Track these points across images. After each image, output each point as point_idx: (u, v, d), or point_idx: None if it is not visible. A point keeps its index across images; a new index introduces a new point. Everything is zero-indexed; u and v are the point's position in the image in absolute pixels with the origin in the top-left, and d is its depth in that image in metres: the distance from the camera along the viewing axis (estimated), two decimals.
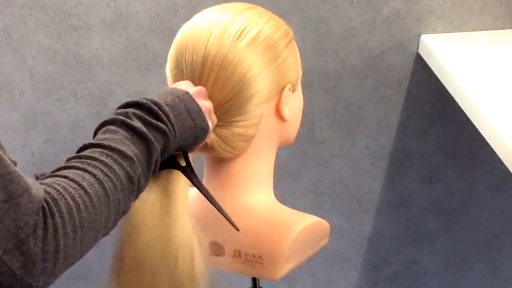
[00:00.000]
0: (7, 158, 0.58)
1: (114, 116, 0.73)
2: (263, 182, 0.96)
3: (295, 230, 0.91)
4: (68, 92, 1.64)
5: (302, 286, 1.89)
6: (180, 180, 0.84)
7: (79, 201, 0.62)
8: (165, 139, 0.74)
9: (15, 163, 0.70)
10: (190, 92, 0.80)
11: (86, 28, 1.56)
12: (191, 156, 0.83)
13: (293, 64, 0.93)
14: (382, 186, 1.75)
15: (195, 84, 0.87)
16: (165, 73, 0.94)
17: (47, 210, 0.59)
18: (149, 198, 0.82)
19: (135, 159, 0.69)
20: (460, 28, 1.56)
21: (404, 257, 1.84)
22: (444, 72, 1.40)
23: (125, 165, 0.68)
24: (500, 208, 1.78)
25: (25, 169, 0.79)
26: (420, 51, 1.57)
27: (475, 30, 1.56)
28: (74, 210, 0.61)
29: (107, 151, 0.68)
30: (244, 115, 0.89)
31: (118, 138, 0.70)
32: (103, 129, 0.72)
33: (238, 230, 0.86)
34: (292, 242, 0.90)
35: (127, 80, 1.62)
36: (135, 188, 0.69)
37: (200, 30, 0.88)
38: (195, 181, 0.83)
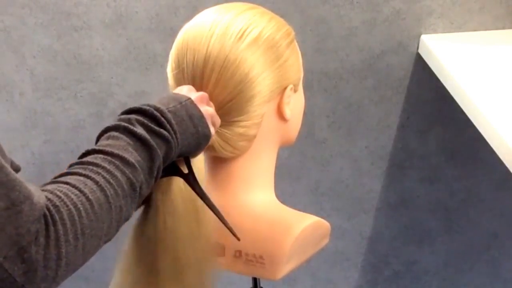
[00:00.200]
0: (8, 166, 0.58)
1: (117, 122, 0.72)
2: (264, 182, 0.96)
3: (296, 230, 0.91)
4: (68, 92, 1.64)
5: (302, 286, 1.89)
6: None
7: (81, 208, 0.62)
8: (167, 146, 0.74)
9: (18, 167, 0.70)
10: (192, 98, 0.80)
11: (86, 28, 1.56)
12: (193, 162, 0.83)
13: (295, 64, 0.93)
14: (382, 186, 1.75)
15: (196, 84, 0.87)
16: (165, 73, 0.94)
17: (48, 217, 0.59)
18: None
19: (137, 166, 0.69)
20: (460, 28, 1.56)
21: (404, 257, 1.84)
22: (444, 72, 1.40)
23: (127, 171, 0.68)
24: (500, 208, 1.78)
25: (25, 169, 0.80)
26: (420, 51, 1.57)
27: (475, 30, 1.56)
28: (76, 217, 0.61)
29: (109, 158, 0.68)
30: (246, 115, 0.89)
31: (120, 145, 0.70)
32: (106, 135, 0.72)
33: (239, 239, 0.86)
34: (293, 242, 0.90)
35: (127, 80, 1.62)
36: (137, 195, 0.69)
37: (201, 30, 0.88)
38: (197, 188, 0.82)
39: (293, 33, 0.94)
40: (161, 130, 0.73)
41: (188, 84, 0.88)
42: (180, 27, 0.93)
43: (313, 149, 1.70)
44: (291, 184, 1.74)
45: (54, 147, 1.70)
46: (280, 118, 0.93)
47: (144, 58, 1.59)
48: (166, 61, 0.93)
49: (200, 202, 0.84)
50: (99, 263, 1.62)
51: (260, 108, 0.89)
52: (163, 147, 0.73)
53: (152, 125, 0.73)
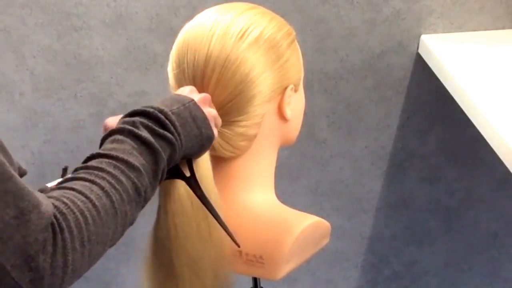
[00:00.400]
0: (17, 174, 0.58)
1: (121, 126, 0.72)
2: (264, 182, 0.96)
3: (296, 230, 0.91)
4: (68, 92, 1.64)
5: (302, 286, 1.89)
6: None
7: (87, 215, 0.62)
8: (172, 149, 0.74)
9: (25, 172, 0.70)
10: (195, 99, 0.80)
11: (86, 28, 1.56)
12: (195, 165, 0.83)
13: (296, 64, 0.93)
14: (382, 186, 1.75)
15: (197, 84, 0.87)
16: (166, 73, 0.94)
17: (56, 225, 0.59)
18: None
19: (142, 170, 0.69)
20: (460, 28, 1.56)
21: (404, 257, 1.84)
22: (444, 72, 1.40)
23: (132, 176, 0.68)
24: (500, 208, 1.78)
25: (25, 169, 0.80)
26: (420, 51, 1.57)
27: (475, 30, 1.56)
28: (83, 224, 0.61)
29: (114, 162, 0.68)
30: (246, 115, 0.89)
31: (125, 148, 0.70)
32: (111, 138, 0.72)
33: (239, 246, 0.86)
34: (293, 242, 0.90)
35: (127, 80, 1.62)
36: (142, 200, 0.70)
37: (202, 30, 0.88)
38: (198, 192, 0.82)
39: (294, 33, 0.94)
40: (165, 132, 0.73)
41: (189, 84, 0.88)
42: (180, 27, 0.93)
43: (313, 149, 1.70)
44: (291, 184, 1.74)
45: (54, 147, 1.70)
46: (280, 118, 0.93)
47: (144, 58, 1.59)
48: (166, 61, 0.93)
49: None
50: (99, 263, 1.61)
51: (260, 108, 0.89)
52: (168, 150, 0.73)
53: (156, 128, 0.73)
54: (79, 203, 0.62)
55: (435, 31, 1.56)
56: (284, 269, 0.92)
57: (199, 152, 0.81)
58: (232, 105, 0.87)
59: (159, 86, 1.60)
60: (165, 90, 0.94)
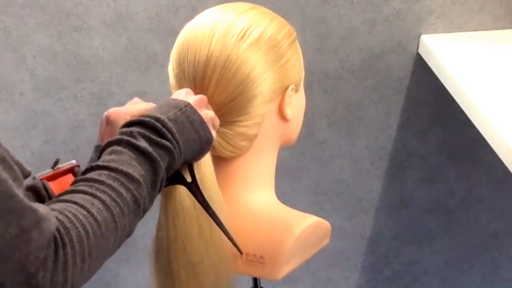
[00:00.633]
0: (20, 191, 0.58)
1: (119, 136, 0.72)
2: (265, 182, 0.96)
3: (296, 230, 0.90)
4: (68, 92, 1.64)
5: (302, 286, 1.89)
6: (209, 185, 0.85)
7: (89, 230, 0.62)
8: (170, 156, 0.74)
9: (29, 173, 0.70)
10: (192, 102, 0.80)
11: (86, 28, 1.56)
12: (197, 167, 0.83)
13: (296, 64, 0.93)
14: (382, 186, 1.75)
15: (197, 84, 0.87)
16: (166, 73, 0.94)
17: (59, 240, 0.60)
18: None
19: (141, 181, 0.69)
20: (460, 28, 1.56)
21: (404, 257, 1.84)
22: (444, 72, 1.40)
23: (131, 188, 0.68)
24: (500, 208, 1.78)
25: None
26: (420, 51, 1.57)
27: (475, 30, 1.56)
28: (84, 239, 0.62)
29: (114, 174, 0.68)
30: (247, 115, 0.89)
31: (124, 159, 0.70)
32: (109, 149, 0.72)
33: (241, 253, 0.86)
34: (294, 242, 0.90)
35: (127, 80, 1.62)
36: (141, 211, 0.70)
37: (203, 30, 0.88)
38: (200, 198, 0.82)
39: (294, 33, 0.94)
40: (163, 140, 0.73)
41: (189, 83, 0.88)
42: (180, 27, 0.93)
43: (313, 149, 1.70)
44: (291, 184, 1.74)
45: (54, 147, 1.70)
46: (281, 118, 0.93)
47: (144, 58, 1.59)
48: (166, 61, 0.93)
49: (212, 203, 0.84)
50: None
51: (261, 108, 0.89)
52: (166, 158, 0.73)
53: (154, 137, 0.73)
54: (81, 217, 0.62)
55: (435, 31, 1.56)
56: (285, 269, 0.92)
57: (199, 155, 0.81)
58: (233, 105, 0.87)
59: (159, 86, 1.60)
60: (165, 90, 0.94)
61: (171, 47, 0.93)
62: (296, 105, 0.95)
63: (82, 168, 0.83)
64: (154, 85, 1.62)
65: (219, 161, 0.93)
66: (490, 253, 1.84)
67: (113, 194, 0.66)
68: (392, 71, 1.60)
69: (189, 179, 0.82)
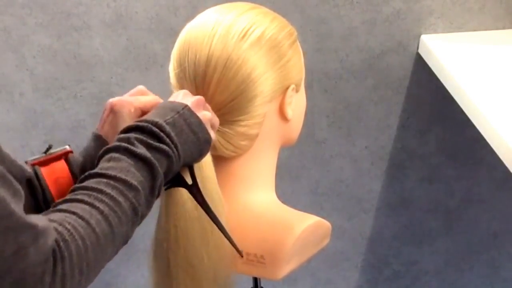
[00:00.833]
0: (18, 209, 0.58)
1: (117, 143, 0.72)
2: (265, 182, 0.96)
3: (297, 230, 0.90)
4: (68, 92, 1.64)
5: (302, 286, 1.89)
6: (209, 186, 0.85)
7: (88, 242, 0.62)
8: (169, 160, 0.74)
9: (30, 174, 0.70)
10: (189, 103, 0.80)
11: (86, 28, 1.56)
12: (198, 168, 0.83)
13: (297, 64, 0.93)
14: (382, 186, 1.75)
15: (198, 84, 0.87)
16: (166, 73, 0.94)
17: (57, 253, 0.60)
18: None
19: (139, 188, 0.69)
20: (460, 28, 1.56)
21: (404, 257, 1.84)
22: (444, 72, 1.40)
23: (130, 196, 0.68)
24: (500, 208, 1.78)
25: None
26: (420, 51, 1.57)
27: (475, 30, 1.56)
28: (83, 252, 0.62)
29: (112, 182, 0.68)
30: (247, 115, 0.89)
31: (122, 166, 0.69)
32: (107, 156, 0.72)
33: (242, 256, 0.86)
34: (294, 242, 0.90)
35: (127, 80, 1.62)
36: (138, 218, 0.70)
37: (204, 30, 0.88)
38: (200, 200, 0.82)
39: (295, 33, 0.94)
40: (161, 145, 0.73)
41: (190, 83, 0.88)
42: (180, 27, 0.93)
43: (313, 149, 1.70)
44: (291, 184, 1.74)
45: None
46: (281, 118, 0.93)
47: (144, 58, 1.59)
48: (166, 61, 0.93)
49: (213, 203, 0.83)
50: None
51: (262, 108, 0.89)
52: (165, 162, 0.73)
53: (152, 141, 0.73)
54: (80, 229, 0.62)
55: (435, 31, 1.56)
56: (285, 269, 0.92)
57: (199, 157, 0.81)
58: (234, 104, 0.87)
59: (159, 86, 1.59)
60: (165, 90, 0.94)
61: (171, 47, 0.93)
62: (297, 105, 0.95)
63: (75, 154, 0.83)
64: (154, 85, 1.61)
65: (220, 160, 0.93)
66: (490, 253, 1.84)
67: (111, 204, 0.66)
68: (392, 71, 1.60)
69: (189, 181, 0.82)
